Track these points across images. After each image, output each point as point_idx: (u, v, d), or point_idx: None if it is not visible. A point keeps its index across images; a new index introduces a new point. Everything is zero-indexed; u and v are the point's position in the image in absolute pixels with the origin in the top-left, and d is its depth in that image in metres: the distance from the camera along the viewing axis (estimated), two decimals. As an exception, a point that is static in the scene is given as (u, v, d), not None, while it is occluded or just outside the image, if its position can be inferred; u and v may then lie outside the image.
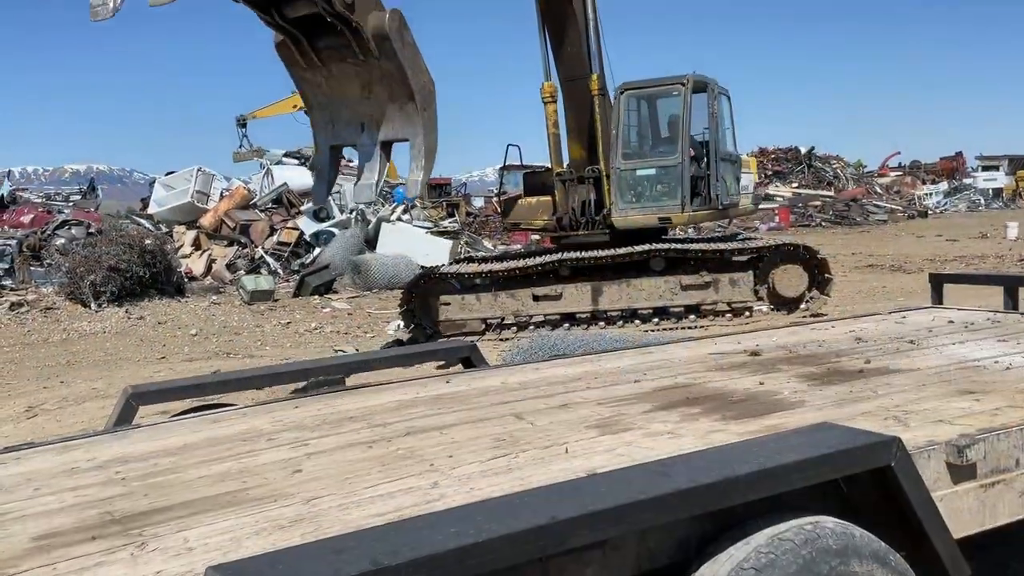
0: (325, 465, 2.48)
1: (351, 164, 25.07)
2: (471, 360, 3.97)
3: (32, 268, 15.90)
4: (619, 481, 1.78)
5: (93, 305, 13.48)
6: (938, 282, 5.11)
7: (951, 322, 4.44)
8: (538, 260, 10.60)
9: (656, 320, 10.44)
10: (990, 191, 45.21)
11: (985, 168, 51.12)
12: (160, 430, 3.11)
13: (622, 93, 11.05)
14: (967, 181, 47.83)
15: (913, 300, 11.52)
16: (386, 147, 4.86)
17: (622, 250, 10.35)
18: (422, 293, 10.54)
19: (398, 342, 10.27)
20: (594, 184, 11.11)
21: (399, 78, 4.58)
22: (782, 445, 1.95)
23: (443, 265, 11.90)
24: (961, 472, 2.26)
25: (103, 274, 13.59)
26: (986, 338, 3.91)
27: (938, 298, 5.10)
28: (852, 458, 1.91)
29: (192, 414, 3.41)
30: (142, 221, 19.39)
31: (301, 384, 3.67)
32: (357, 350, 9.78)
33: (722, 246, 10.60)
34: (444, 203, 28.43)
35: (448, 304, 10.45)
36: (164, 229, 19.56)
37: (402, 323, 10.64)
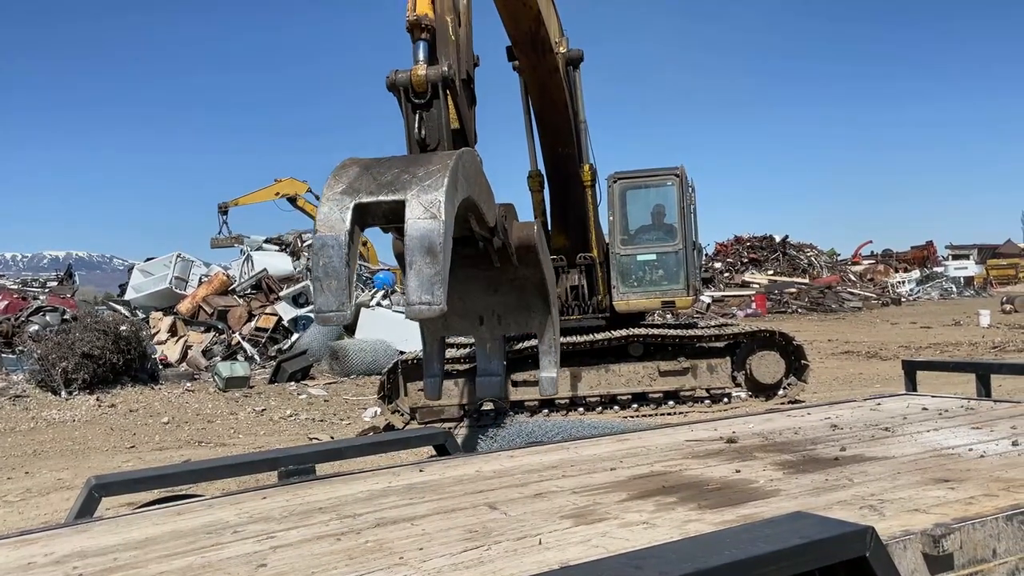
0: (291, 559, 2.41)
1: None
2: (446, 447, 3.91)
3: (3, 355, 15.64)
4: (590, 575, 1.74)
5: (63, 393, 13.24)
6: (912, 369, 5.16)
7: (925, 409, 4.46)
8: (515, 346, 10.60)
9: (635, 406, 10.40)
10: (961, 279, 46.09)
11: (955, 257, 52.29)
12: (122, 523, 3.01)
13: (615, 182, 11.33)
14: (938, 269, 48.82)
15: (889, 386, 11.59)
16: (507, 339, 4.83)
17: (600, 336, 10.39)
18: (399, 379, 10.45)
19: (374, 429, 10.12)
20: (585, 271, 11.24)
21: (535, 282, 4.73)
22: (755, 535, 1.92)
23: (400, 354, 11.85)
24: (938, 563, 2.24)
25: (75, 361, 13.41)
26: (960, 425, 3.92)
27: (912, 385, 5.13)
28: (826, 549, 1.88)
29: (157, 506, 3.31)
30: (118, 307, 19.25)
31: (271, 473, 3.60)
32: (332, 438, 9.63)
33: (700, 332, 10.67)
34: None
35: (423, 390, 10.36)
36: (141, 315, 19.42)
37: (378, 410, 10.51)
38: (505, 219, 4.56)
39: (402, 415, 10.33)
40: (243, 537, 2.68)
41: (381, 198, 3.47)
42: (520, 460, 3.68)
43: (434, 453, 4.18)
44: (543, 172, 11.03)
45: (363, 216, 3.51)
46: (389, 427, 10.24)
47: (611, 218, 11.23)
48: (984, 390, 4.86)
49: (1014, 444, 3.41)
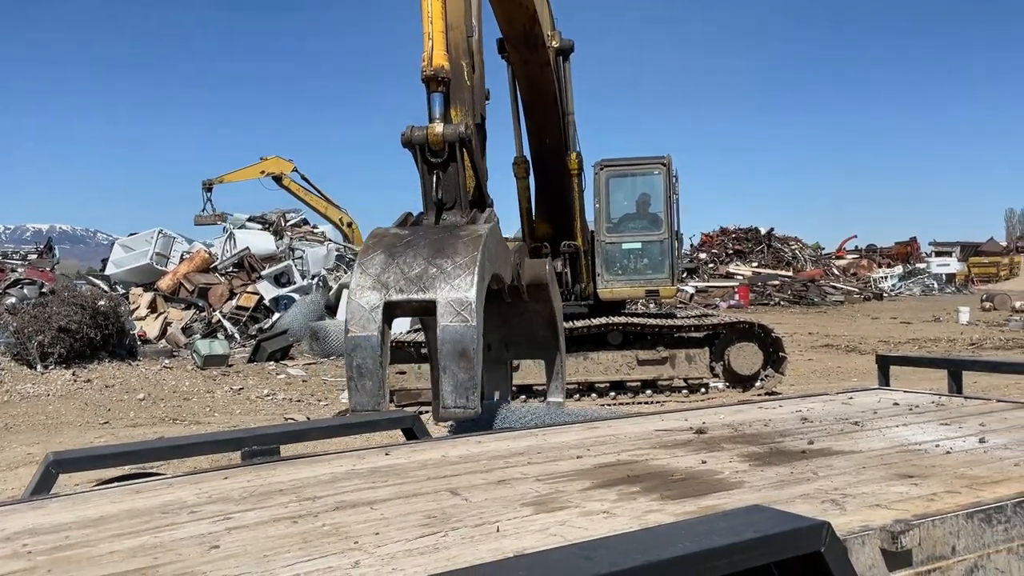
0: (244, 541, 2.37)
1: (315, 231, 25.09)
2: (413, 431, 3.88)
3: (-20, 327, 15.46)
4: (539, 565, 1.72)
5: (39, 367, 13.11)
6: (885, 364, 5.17)
7: (896, 404, 4.46)
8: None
9: (613, 394, 10.42)
10: (943, 276, 46.46)
11: (938, 254, 52.76)
12: (78, 500, 2.97)
13: (601, 170, 11.28)
14: (921, 265, 49.20)
15: (866, 380, 11.66)
16: (509, 363, 5.02)
17: (580, 323, 10.38)
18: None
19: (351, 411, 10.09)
20: (569, 259, 11.21)
21: (545, 316, 4.88)
22: (711, 528, 1.90)
23: (400, 333, 11.81)
24: (896, 559, 2.23)
25: (52, 334, 13.27)
26: (929, 421, 3.93)
27: (884, 379, 5.14)
28: (780, 543, 1.86)
29: (116, 483, 3.26)
30: (98, 282, 19.07)
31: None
32: (308, 418, 9.59)
33: (679, 322, 10.69)
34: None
35: (403, 373, 10.34)
36: (121, 290, 19.26)
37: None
38: (518, 259, 4.64)
39: (379, 397, 10.29)
40: (199, 517, 2.64)
41: (411, 297, 3.54)
42: (487, 446, 3.66)
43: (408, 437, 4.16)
44: (528, 159, 10.96)
45: (392, 311, 3.60)
46: (366, 409, 10.21)
47: (597, 205, 11.23)
48: (956, 386, 4.87)
49: (981, 441, 3.42)
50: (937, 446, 3.35)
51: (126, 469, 3.56)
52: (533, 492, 2.80)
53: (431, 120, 4.36)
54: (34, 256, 21.88)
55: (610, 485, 2.87)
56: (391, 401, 10.35)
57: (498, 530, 2.37)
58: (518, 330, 5.05)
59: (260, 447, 3.45)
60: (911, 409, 4.28)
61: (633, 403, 10.18)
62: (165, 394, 11.46)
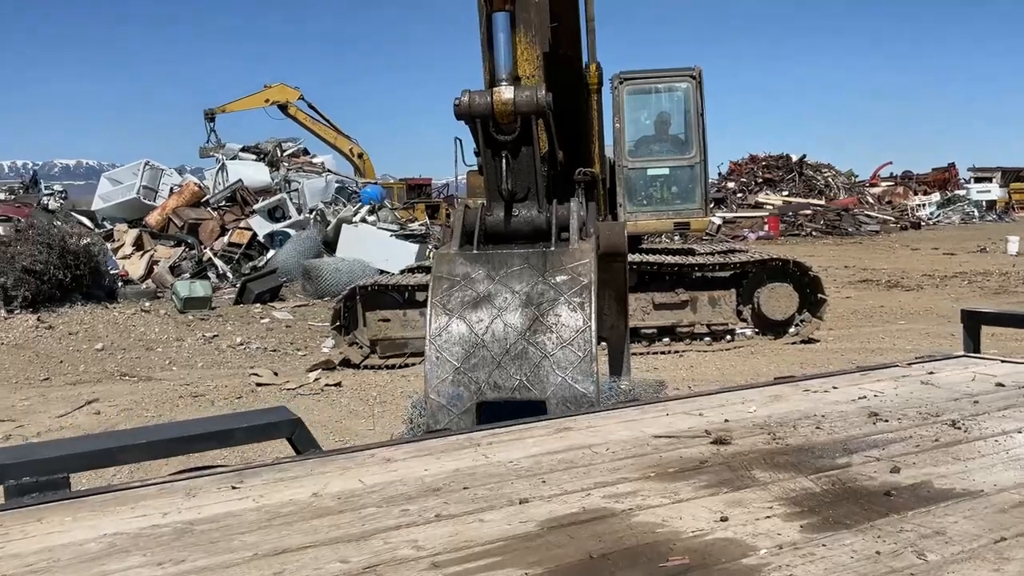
0: None
1: (314, 160, 23.75)
2: (293, 442, 2.63)
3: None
4: None
5: (2, 311, 12.08)
6: (974, 323, 3.79)
7: (1001, 385, 3.14)
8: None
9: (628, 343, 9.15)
10: (983, 203, 44.34)
11: (978, 180, 50.34)
12: None
13: (621, 83, 9.80)
14: (960, 192, 46.98)
15: (916, 323, 10.27)
16: None
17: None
18: (357, 308, 9.21)
19: (327, 363, 8.93)
20: (585, 189, 9.81)
21: (614, 287, 4.38)
22: None
23: (380, 274, 10.58)
24: None
25: (15, 276, 12.20)
26: (1066, 419, 2.61)
27: (975, 345, 3.79)
28: None
29: None
30: (82, 218, 17.95)
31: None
32: (276, 374, 8.45)
33: (701, 260, 9.32)
34: (420, 205, 27.07)
35: (387, 320, 9.12)
36: (108, 226, 18.16)
37: (333, 342, 9.31)
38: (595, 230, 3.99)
39: (360, 347, 9.12)
40: None
41: (513, 398, 2.98)
42: (395, 471, 2.39)
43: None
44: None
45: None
46: (345, 362, 9.04)
47: (616, 125, 9.77)
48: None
49: None
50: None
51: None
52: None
53: (495, 75, 3.30)
54: (22, 191, 20.79)
55: (552, 586, 1.60)
56: (374, 352, 9.17)
57: None
58: None
59: (35, 478, 2.22)
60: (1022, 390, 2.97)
61: (648, 352, 8.92)
62: (129, 343, 10.37)
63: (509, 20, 3.39)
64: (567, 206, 3.59)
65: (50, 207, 20.49)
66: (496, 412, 3.39)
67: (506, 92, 3.27)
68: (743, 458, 2.37)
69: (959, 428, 2.59)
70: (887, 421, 2.71)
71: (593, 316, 2.93)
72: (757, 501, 2.02)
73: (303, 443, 2.60)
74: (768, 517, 1.91)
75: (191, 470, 2.48)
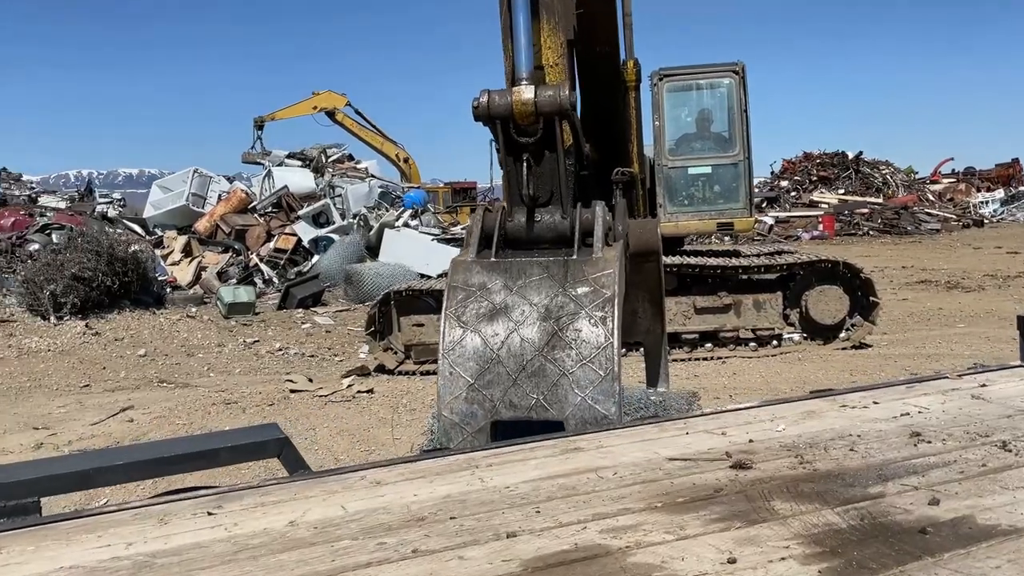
0: None
1: (358, 166, 23.85)
2: (283, 461, 2.48)
3: (4, 276, 14.82)
4: None
5: (52, 318, 12.31)
6: (1033, 330, 3.49)
7: (1062, 400, 2.85)
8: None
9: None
10: (1051, 200, 42.60)
11: (1044, 175, 48.39)
12: None
13: (661, 80, 9.55)
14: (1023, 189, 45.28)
15: (976, 327, 9.79)
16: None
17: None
18: (392, 313, 9.11)
19: (361, 369, 8.85)
20: (623, 189, 9.57)
21: (650, 289, 4.17)
22: None
23: (420, 279, 10.48)
24: None
25: (64, 283, 12.42)
26: None
27: (1033, 353, 3.48)
28: None
29: None
30: (133, 225, 18.28)
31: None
32: (311, 380, 8.39)
33: (746, 262, 8.99)
34: (463, 208, 27.00)
35: (421, 325, 9.00)
36: (159, 234, 18.47)
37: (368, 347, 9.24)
38: (626, 228, 3.82)
39: (395, 353, 9.02)
40: None
41: (529, 417, 2.86)
42: (382, 497, 2.22)
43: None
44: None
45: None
46: (380, 368, 8.95)
47: (656, 123, 9.52)
48: None
49: None
50: None
51: None
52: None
53: (515, 75, 3.09)
54: (77, 199, 21.31)
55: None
56: (408, 357, 9.07)
57: None
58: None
59: (4, 502, 2.11)
60: (1093, 413, 2.67)
61: (690, 359, 8.63)
62: (171, 349, 10.45)
63: (530, 3, 3.18)
64: (592, 210, 3.33)
65: (108, 215, 20.93)
66: (513, 429, 3.21)
67: (526, 92, 3.04)
68: (763, 486, 2.15)
69: (1010, 451, 2.33)
70: (930, 442, 2.46)
71: (616, 331, 2.73)
72: (773, 539, 1.80)
73: (291, 463, 2.45)
74: (783, 559, 1.69)
75: (171, 492, 2.36)
